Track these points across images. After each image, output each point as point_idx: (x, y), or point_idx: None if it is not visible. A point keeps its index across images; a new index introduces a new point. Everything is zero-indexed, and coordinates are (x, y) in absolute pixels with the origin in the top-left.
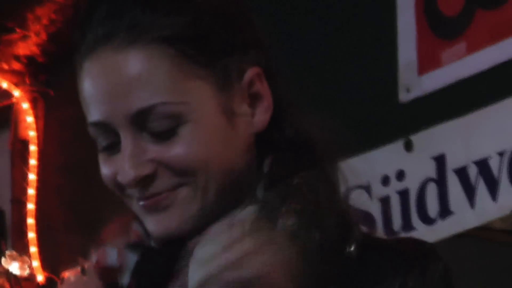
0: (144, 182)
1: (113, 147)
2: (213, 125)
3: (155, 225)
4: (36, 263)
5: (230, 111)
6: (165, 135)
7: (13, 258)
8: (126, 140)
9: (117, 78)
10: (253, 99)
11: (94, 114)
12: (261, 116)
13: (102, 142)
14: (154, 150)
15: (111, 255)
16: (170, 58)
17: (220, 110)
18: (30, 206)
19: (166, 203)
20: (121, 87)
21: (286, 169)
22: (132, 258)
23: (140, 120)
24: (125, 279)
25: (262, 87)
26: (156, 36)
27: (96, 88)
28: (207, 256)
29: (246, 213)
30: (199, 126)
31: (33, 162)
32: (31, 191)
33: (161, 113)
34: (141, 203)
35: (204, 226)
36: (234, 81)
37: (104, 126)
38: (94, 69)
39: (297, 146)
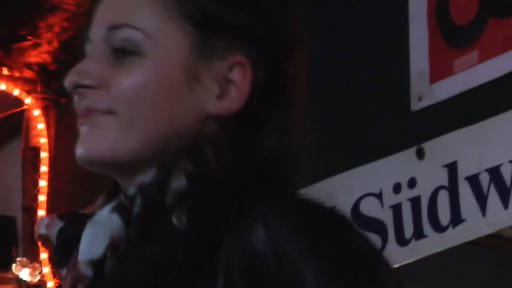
0: (81, 90)
1: None
2: (168, 74)
3: (80, 145)
4: (46, 270)
5: (195, 76)
6: (122, 60)
7: (23, 265)
8: (93, 53)
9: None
10: (227, 84)
11: (88, 31)
12: (227, 103)
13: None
14: (106, 69)
15: (41, 223)
16: (167, 2)
17: (183, 67)
18: (41, 213)
19: (94, 122)
20: (110, 5)
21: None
22: (57, 225)
23: (110, 37)
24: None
25: (241, 79)
26: None
27: (100, 6)
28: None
29: (146, 177)
30: (154, 66)
31: (44, 169)
32: (42, 198)
33: (127, 35)
34: (79, 116)
35: (126, 171)
36: (215, 55)
37: (88, 41)
38: None
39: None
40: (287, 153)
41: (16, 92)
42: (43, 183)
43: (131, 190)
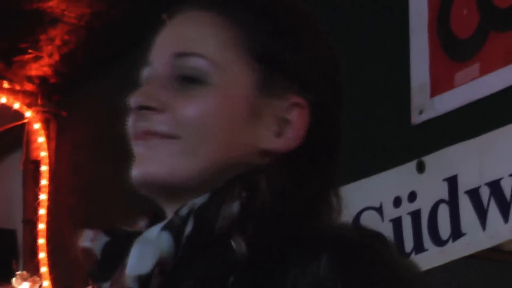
0: (144, 112)
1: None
2: (232, 106)
3: (137, 166)
4: (46, 283)
5: (256, 111)
6: (187, 87)
7: (23, 278)
8: (156, 78)
9: (182, 29)
10: (285, 123)
11: (150, 55)
12: (283, 142)
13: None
14: (171, 96)
15: (86, 236)
16: (234, 36)
17: (247, 101)
18: (41, 226)
19: (153, 144)
20: (177, 32)
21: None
22: (102, 240)
23: (176, 64)
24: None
25: (299, 120)
26: (234, 16)
27: (164, 34)
28: (147, 238)
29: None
30: (220, 96)
31: (44, 182)
32: (42, 211)
33: (195, 63)
34: (135, 137)
35: (176, 195)
36: (276, 94)
37: (148, 66)
38: (172, 22)
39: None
40: (327, 191)
41: (16, 105)
42: (43, 196)
43: (184, 211)
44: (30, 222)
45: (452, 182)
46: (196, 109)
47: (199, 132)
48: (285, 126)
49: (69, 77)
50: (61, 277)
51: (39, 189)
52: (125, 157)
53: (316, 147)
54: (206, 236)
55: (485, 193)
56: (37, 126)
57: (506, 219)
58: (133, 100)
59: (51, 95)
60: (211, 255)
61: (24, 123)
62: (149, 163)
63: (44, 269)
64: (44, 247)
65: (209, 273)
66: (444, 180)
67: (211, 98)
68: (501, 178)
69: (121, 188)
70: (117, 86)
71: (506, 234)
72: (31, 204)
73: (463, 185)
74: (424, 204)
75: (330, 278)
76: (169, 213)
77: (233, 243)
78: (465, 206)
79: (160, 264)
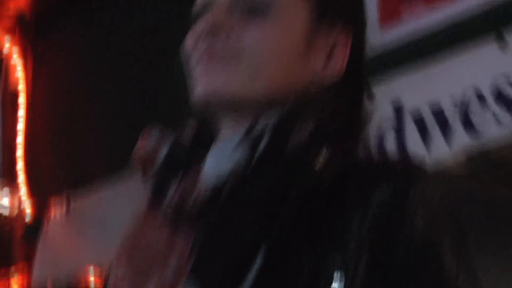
0: (215, 32)
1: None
2: (291, 37)
3: (202, 82)
4: (25, 201)
5: (310, 42)
6: (251, 16)
7: (2, 196)
8: (219, 5)
9: None
10: (332, 54)
11: None
12: (330, 71)
13: (201, 7)
14: (235, 23)
15: (151, 140)
16: None
17: (303, 32)
18: (20, 150)
19: (217, 65)
20: None
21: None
22: (165, 145)
23: None
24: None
25: (343, 52)
26: None
27: None
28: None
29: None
30: (280, 27)
31: (21, 112)
32: (20, 137)
33: None
34: (197, 58)
35: (238, 112)
36: (326, 28)
37: None
38: None
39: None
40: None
41: None
42: (20, 125)
43: (258, 127)
44: (9, 145)
45: (398, 108)
46: (258, 36)
47: (259, 58)
48: (331, 57)
49: (45, 13)
50: (37, 195)
51: (17, 119)
52: (98, 92)
53: (353, 76)
54: (278, 152)
55: (429, 117)
56: (14, 59)
57: (448, 142)
58: (200, 24)
59: (27, 30)
60: (280, 170)
61: (2, 57)
62: (215, 79)
63: (23, 189)
64: (23, 170)
65: (275, 185)
66: (390, 107)
67: (271, 28)
68: (444, 103)
69: (94, 121)
70: (92, 21)
71: (449, 156)
72: (10, 130)
73: (408, 111)
74: (372, 130)
75: (398, 203)
76: (226, 130)
77: (309, 158)
78: (410, 131)
79: (234, 176)
